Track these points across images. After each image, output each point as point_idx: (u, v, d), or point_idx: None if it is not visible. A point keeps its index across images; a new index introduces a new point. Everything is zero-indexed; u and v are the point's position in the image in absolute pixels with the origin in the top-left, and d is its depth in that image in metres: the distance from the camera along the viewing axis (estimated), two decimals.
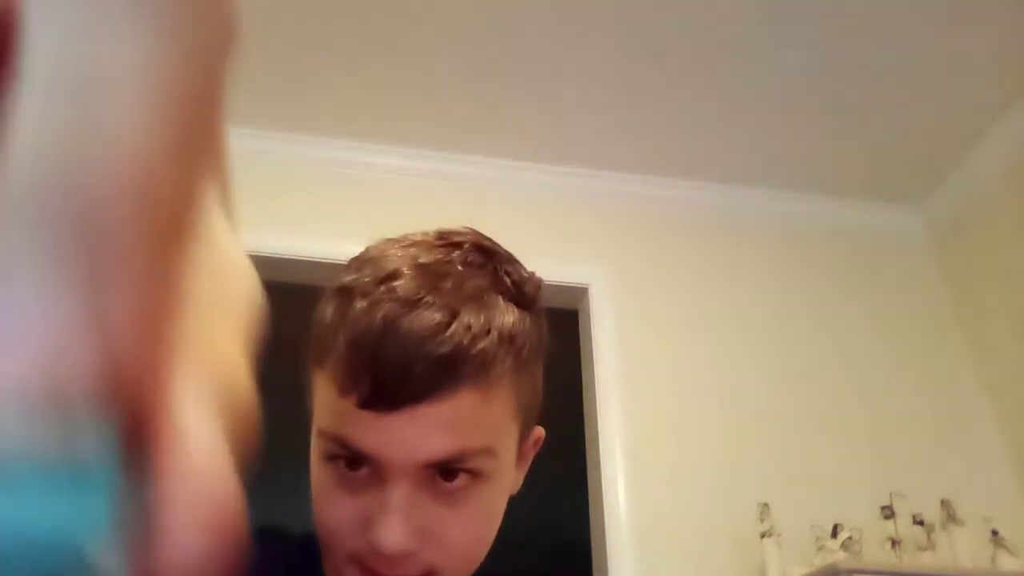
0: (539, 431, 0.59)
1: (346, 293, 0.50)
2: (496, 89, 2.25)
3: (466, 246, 0.54)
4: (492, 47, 2.12)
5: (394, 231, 0.61)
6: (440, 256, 0.52)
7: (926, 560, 1.86)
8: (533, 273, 0.57)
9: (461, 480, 0.49)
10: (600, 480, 2.04)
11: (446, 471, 0.49)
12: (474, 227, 0.58)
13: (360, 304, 0.48)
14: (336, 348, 0.49)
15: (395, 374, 0.46)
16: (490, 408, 0.50)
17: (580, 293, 2.34)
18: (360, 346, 0.47)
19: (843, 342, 2.38)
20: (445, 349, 0.47)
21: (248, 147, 2.39)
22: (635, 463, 2.06)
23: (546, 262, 2.67)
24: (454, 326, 0.47)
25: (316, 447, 0.51)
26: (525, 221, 2.42)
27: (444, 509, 0.49)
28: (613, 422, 2.11)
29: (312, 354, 0.53)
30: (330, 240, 2.23)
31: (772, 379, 2.28)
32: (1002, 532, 1.87)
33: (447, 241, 0.54)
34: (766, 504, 1.93)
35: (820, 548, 1.84)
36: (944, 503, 1.94)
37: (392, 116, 2.35)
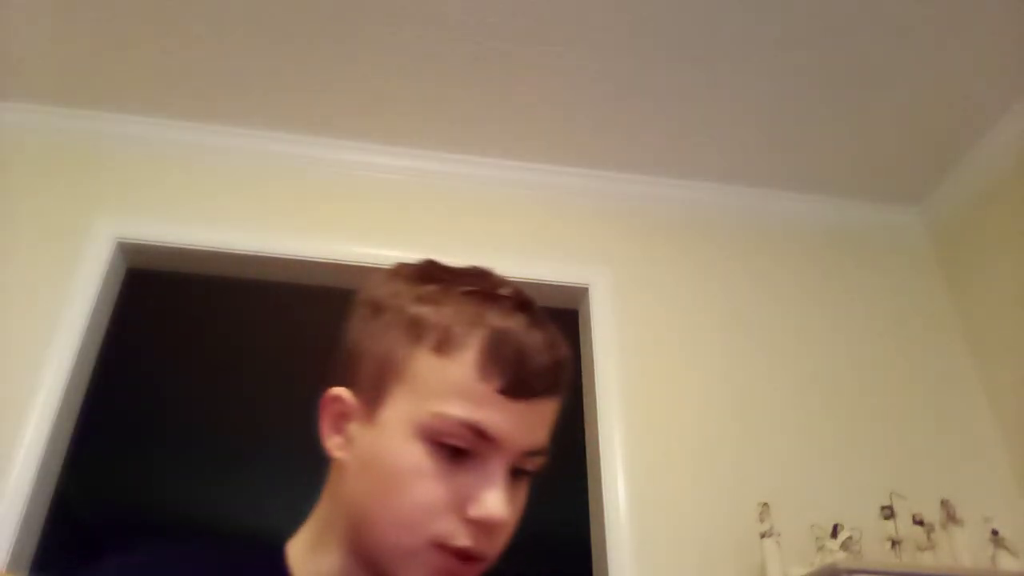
0: None
1: (473, 296, 0.59)
2: (496, 89, 2.25)
3: (514, 284, 0.63)
4: (492, 46, 2.12)
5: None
6: (506, 281, 0.63)
7: (926, 560, 1.86)
8: None
9: (524, 475, 0.59)
10: (600, 480, 2.04)
11: (518, 467, 0.58)
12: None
13: (493, 308, 0.58)
14: (474, 342, 0.57)
15: (534, 370, 0.57)
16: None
17: (580, 293, 2.34)
18: (504, 343, 0.57)
19: (843, 342, 2.38)
20: (561, 356, 0.60)
21: (243, 146, 2.39)
22: (635, 463, 2.06)
23: (546, 262, 2.66)
24: (559, 341, 0.60)
25: (421, 428, 0.56)
26: (526, 221, 2.42)
27: (512, 495, 0.58)
28: (613, 422, 2.11)
29: (429, 342, 0.58)
30: (330, 240, 2.23)
31: (771, 379, 2.28)
32: (1002, 532, 1.87)
33: (496, 276, 0.64)
34: (766, 504, 1.93)
35: (820, 548, 1.84)
36: (944, 503, 1.94)
37: (390, 116, 2.35)
